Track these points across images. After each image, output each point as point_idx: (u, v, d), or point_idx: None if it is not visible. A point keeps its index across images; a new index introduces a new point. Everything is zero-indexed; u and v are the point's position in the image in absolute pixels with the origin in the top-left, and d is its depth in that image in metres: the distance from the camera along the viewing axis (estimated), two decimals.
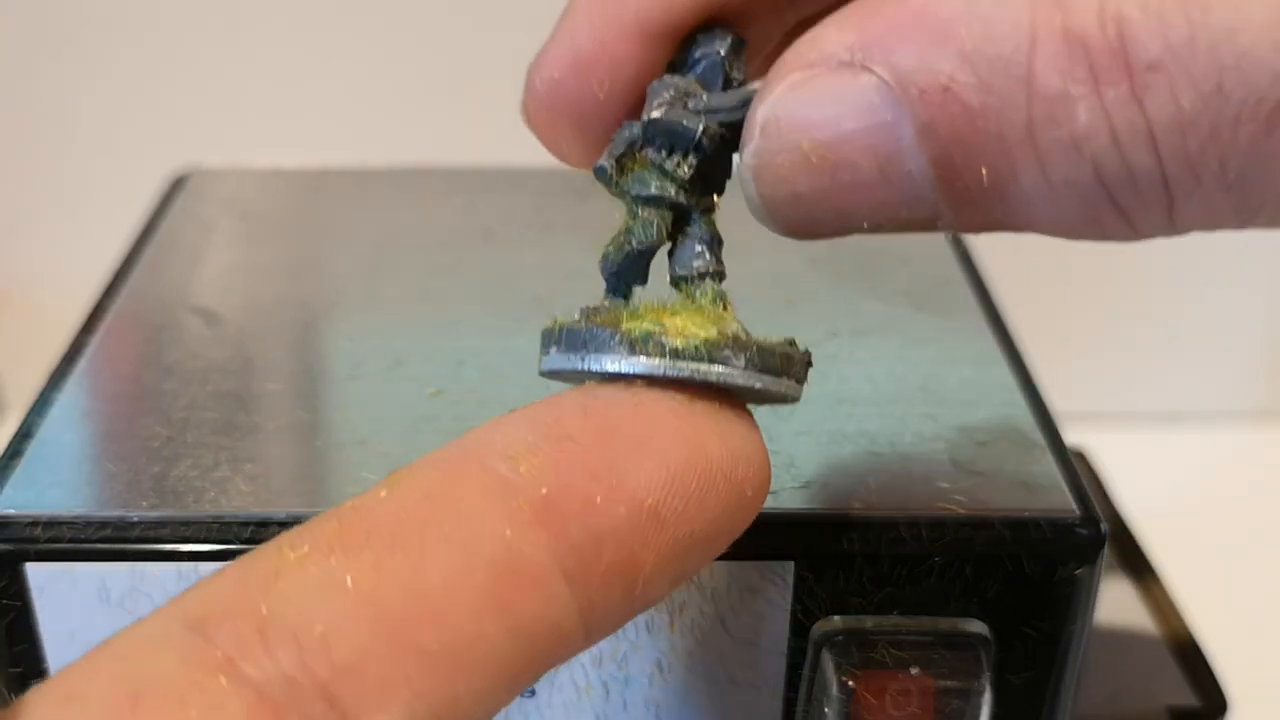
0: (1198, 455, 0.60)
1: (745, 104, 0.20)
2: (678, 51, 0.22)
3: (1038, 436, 0.28)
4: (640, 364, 0.20)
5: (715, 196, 0.22)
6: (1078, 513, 0.26)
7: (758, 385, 0.20)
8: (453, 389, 0.29)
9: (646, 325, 0.20)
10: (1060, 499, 0.26)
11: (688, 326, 0.20)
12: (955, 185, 0.18)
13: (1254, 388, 0.63)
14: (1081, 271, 0.58)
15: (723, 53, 0.21)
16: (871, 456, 0.27)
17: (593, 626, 0.18)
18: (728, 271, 0.22)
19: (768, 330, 0.21)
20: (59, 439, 0.27)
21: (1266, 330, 0.62)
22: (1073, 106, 0.17)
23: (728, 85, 0.21)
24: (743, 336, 0.20)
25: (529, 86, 0.22)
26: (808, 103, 0.19)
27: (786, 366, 0.20)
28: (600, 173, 0.22)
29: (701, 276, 0.22)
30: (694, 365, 0.20)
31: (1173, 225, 0.18)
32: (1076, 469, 0.27)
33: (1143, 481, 0.50)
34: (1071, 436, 0.28)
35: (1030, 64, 0.17)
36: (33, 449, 0.27)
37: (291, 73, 0.56)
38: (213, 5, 0.55)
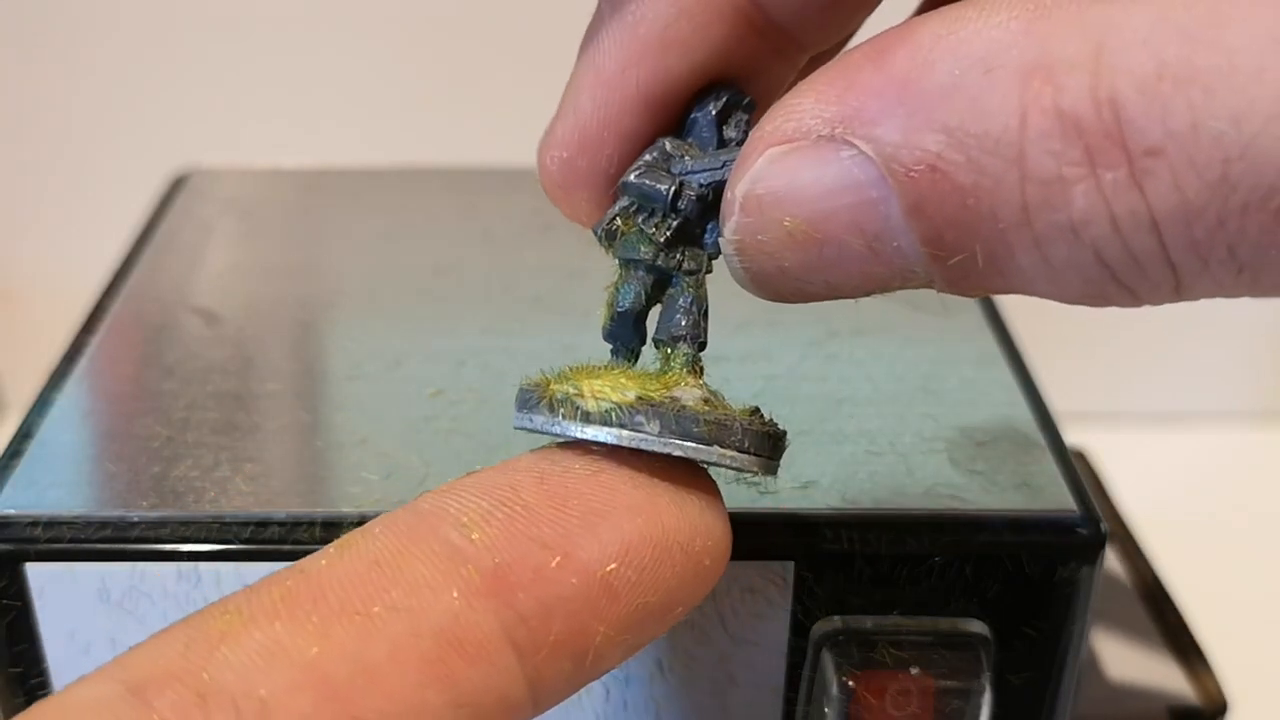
0: (1198, 455, 0.60)
1: (729, 164, 0.20)
2: (682, 114, 0.22)
3: (1038, 436, 0.28)
4: (558, 425, 0.20)
5: (708, 258, 0.21)
6: (1078, 513, 0.26)
7: (675, 453, 0.20)
8: (453, 389, 0.29)
9: (566, 387, 0.20)
10: (1060, 499, 0.26)
11: (604, 389, 0.20)
12: (948, 263, 0.18)
13: (1254, 388, 0.63)
14: None
15: (714, 111, 0.21)
16: (871, 456, 0.27)
17: (541, 697, 0.18)
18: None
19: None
20: (59, 439, 0.27)
21: (1266, 330, 0.62)
22: (1069, 190, 0.16)
23: (723, 143, 0.21)
24: (665, 402, 0.20)
25: (541, 165, 0.22)
26: (788, 178, 0.18)
27: (720, 435, 0.20)
28: (595, 235, 0.22)
29: (675, 340, 0.21)
30: (601, 429, 0.20)
31: (1180, 298, 0.17)
32: (1076, 469, 0.27)
33: (1143, 481, 0.50)
34: (1071, 436, 0.28)
35: (1021, 144, 0.16)
36: (33, 449, 0.27)
37: (291, 73, 0.56)
38: (213, 5, 0.55)
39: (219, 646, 0.17)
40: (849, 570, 0.25)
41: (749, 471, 0.20)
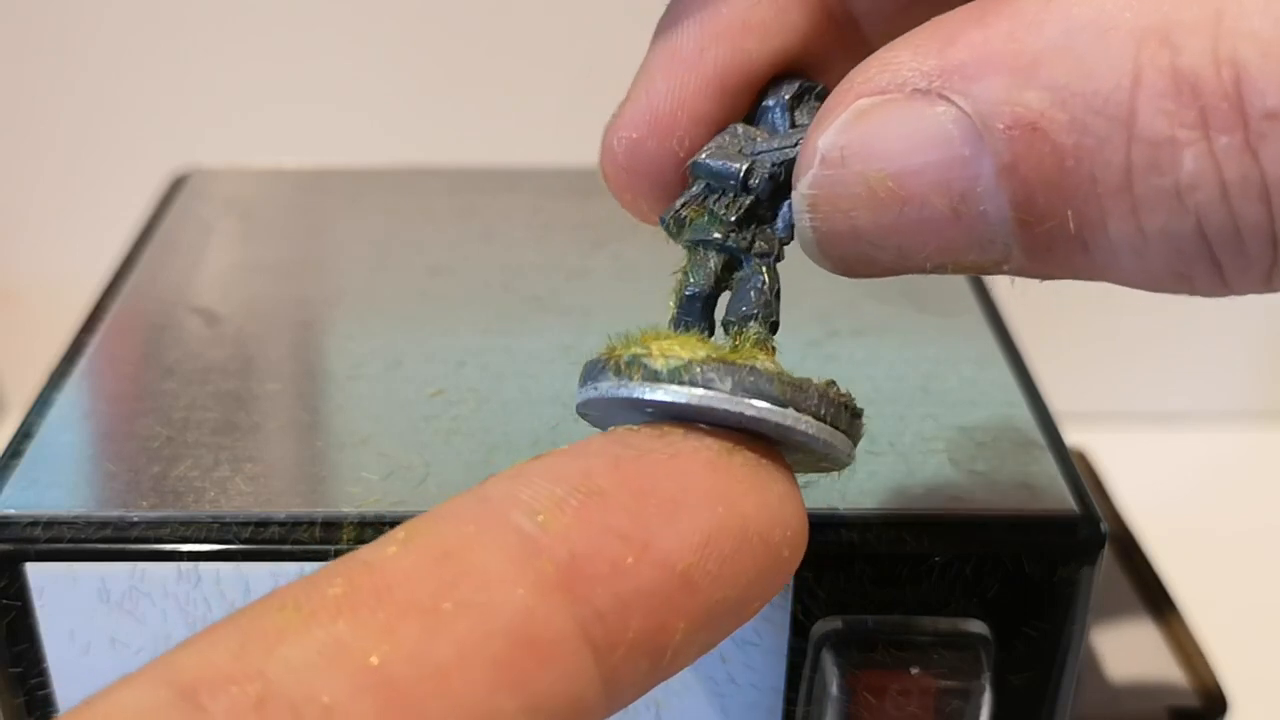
0: (1198, 455, 0.60)
1: (802, 143, 0.19)
2: (755, 103, 0.21)
3: (1038, 436, 0.28)
4: (625, 388, 0.19)
5: (779, 242, 0.21)
6: (1078, 513, 0.26)
7: (748, 413, 0.19)
8: (453, 389, 0.29)
9: (634, 349, 0.19)
10: (1060, 499, 0.26)
11: (674, 348, 0.19)
12: (1035, 230, 0.17)
13: (1254, 388, 0.63)
14: None
15: (788, 96, 0.21)
16: (871, 457, 0.27)
17: (614, 699, 0.17)
18: None
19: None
20: (59, 439, 0.27)
21: (1266, 330, 0.62)
22: (1179, 152, 0.16)
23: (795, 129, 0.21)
24: (740, 362, 0.19)
25: (605, 148, 0.22)
26: (877, 131, 0.17)
27: (796, 397, 0.19)
28: (663, 225, 0.21)
29: (745, 319, 0.21)
30: (671, 388, 0.19)
31: (1269, 284, 0.17)
32: (1076, 469, 0.27)
33: (1143, 481, 0.50)
34: (1071, 436, 0.28)
35: (1133, 104, 0.16)
36: (33, 449, 0.27)
37: (291, 73, 0.56)
38: (213, 5, 0.55)
39: (277, 646, 0.15)
40: (849, 570, 0.25)
41: (828, 447, 0.19)
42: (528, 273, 0.34)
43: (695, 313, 0.21)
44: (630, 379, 0.19)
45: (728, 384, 0.19)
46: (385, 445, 0.27)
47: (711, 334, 0.21)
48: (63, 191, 0.58)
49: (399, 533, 0.17)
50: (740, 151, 0.21)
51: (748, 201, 0.21)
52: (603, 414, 0.20)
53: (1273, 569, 0.53)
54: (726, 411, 0.19)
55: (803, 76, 0.21)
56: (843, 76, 0.21)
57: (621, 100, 0.22)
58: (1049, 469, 0.27)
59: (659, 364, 0.19)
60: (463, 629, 0.16)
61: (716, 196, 0.21)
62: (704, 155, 0.21)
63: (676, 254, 0.22)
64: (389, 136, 0.57)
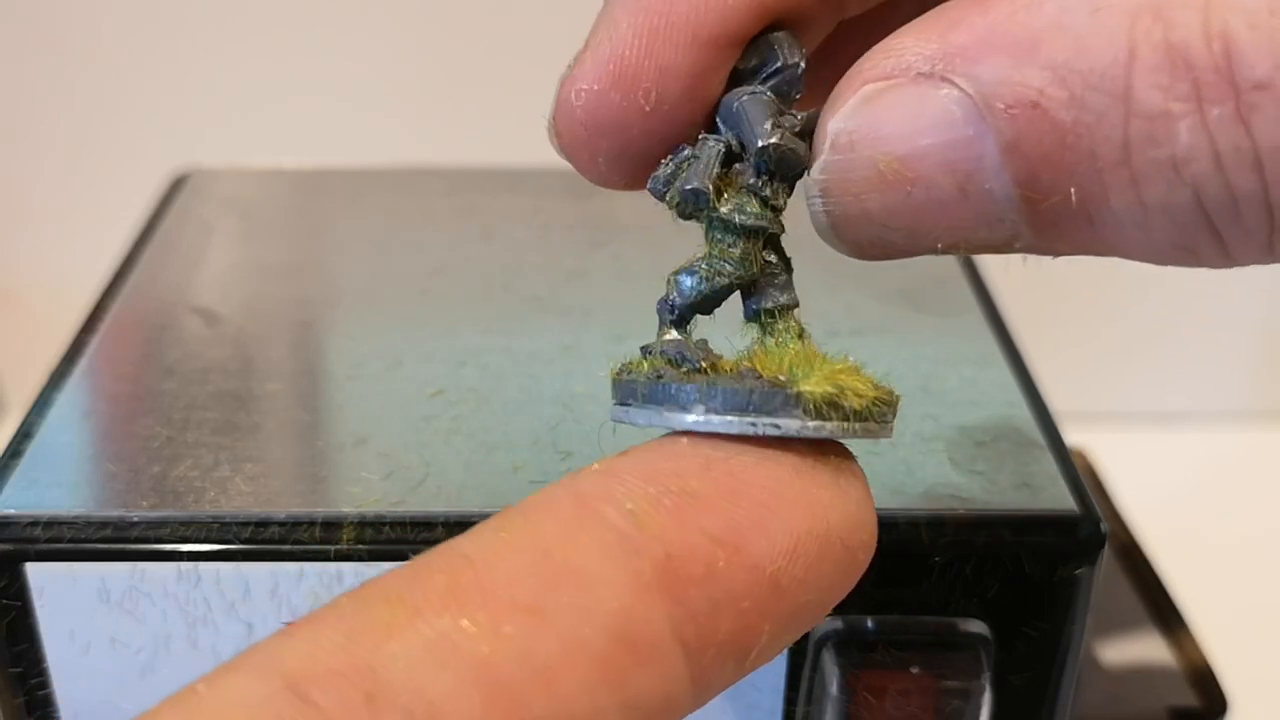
0: (1198, 455, 0.60)
1: None
2: (740, 60, 0.20)
3: (1038, 436, 0.28)
4: (826, 428, 0.19)
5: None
6: (1078, 513, 0.26)
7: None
8: (453, 389, 0.29)
9: (826, 387, 0.19)
10: (1060, 499, 0.26)
11: (858, 385, 0.19)
12: (1040, 206, 0.17)
13: (1254, 388, 0.63)
14: (1081, 271, 0.58)
15: (803, 65, 0.20)
16: (872, 457, 0.27)
17: (700, 697, 0.17)
18: None
19: None
20: (59, 439, 0.27)
21: (1266, 330, 0.62)
22: (1174, 125, 0.16)
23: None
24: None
25: (560, 102, 0.20)
26: (883, 115, 0.18)
27: (830, 413, 0.19)
28: (693, 196, 0.20)
29: (786, 309, 0.20)
30: (866, 425, 0.19)
31: (1271, 253, 0.17)
32: (1076, 469, 0.27)
33: (1143, 481, 0.50)
34: (1071, 436, 0.28)
35: (1129, 79, 0.16)
36: (33, 449, 0.27)
37: (291, 73, 0.56)
38: (214, 6, 0.55)
39: (385, 641, 0.16)
40: None
41: (873, 438, 0.20)
42: (528, 273, 0.34)
43: (720, 301, 0.20)
44: (826, 419, 0.19)
45: (891, 419, 0.19)
46: (385, 445, 0.27)
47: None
48: (63, 191, 0.58)
49: (494, 524, 0.17)
50: (779, 126, 0.19)
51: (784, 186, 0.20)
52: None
53: (1273, 569, 0.53)
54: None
55: (795, 35, 0.20)
56: (819, 30, 0.21)
57: (580, 50, 0.20)
58: (1049, 469, 0.27)
59: (856, 404, 0.19)
60: (565, 628, 0.16)
61: (766, 179, 0.20)
62: (775, 137, 0.19)
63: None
64: (389, 136, 0.57)
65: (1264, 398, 0.63)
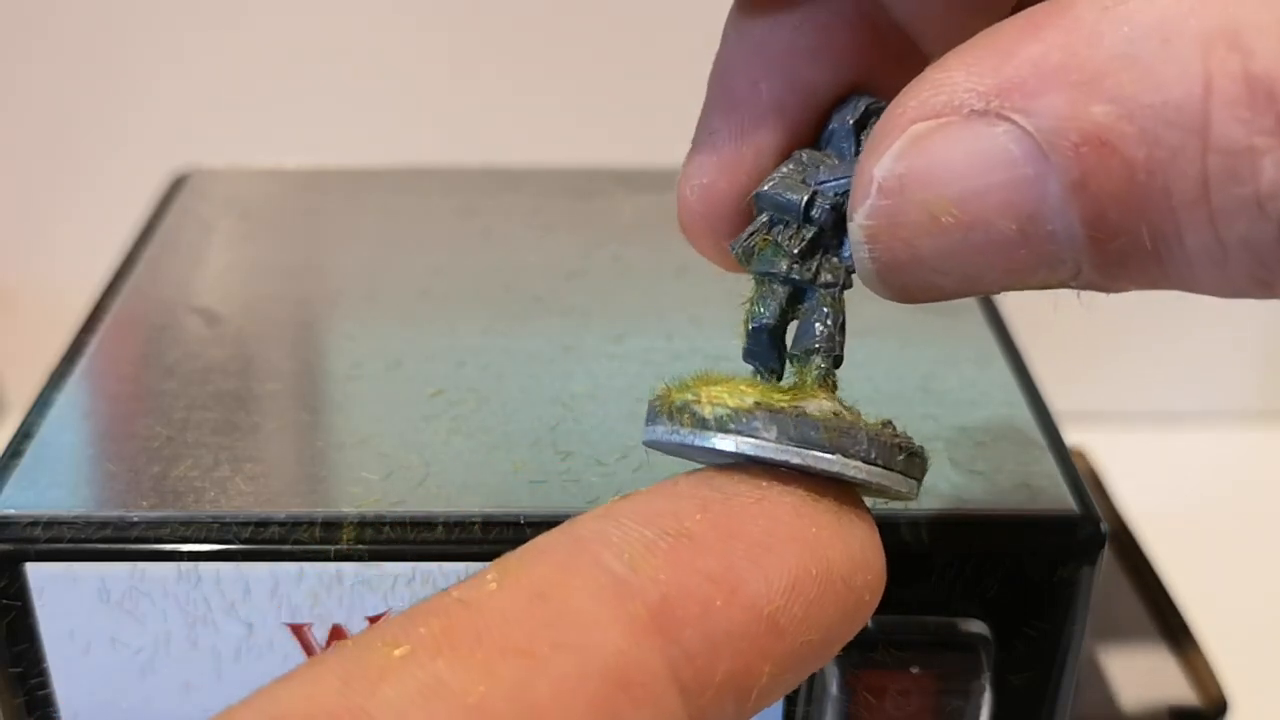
0: (1198, 455, 0.60)
1: None
2: (822, 125, 0.21)
3: (1038, 436, 0.28)
4: (677, 434, 0.19)
5: (845, 271, 0.21)
6: (1078, 513, 0.26)
7: (794, 461, 0.19)
8: (453, 389, 0.29)
9: (685, 395, 0.19)
10: (1060, 499, 0.26)
11: (721, 395, 0.19)
12: (1107, 246, 0.17)
13: (1254, 388, 0.63)
14: None
15: (851, 120, 0.20)
16: None
17: None
18: None
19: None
20: (59, 439, 0.27)
21: (1266, 330, 0.62)
22: (1258, 161, 0.15)
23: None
24: (785, 408, 0.19)
25: (680, 200, 0.21)
26: (936, 156, 0.17)
27: (842, 443, 0.19)
28: (734, 254, 0.21)
29: (808, 354, 0.21)
30: (717, 436, 0.19)
31: None
32: (1076, 469, 0.27)
33: (1143, 481, 0.50)
34: (1071, 436, 0.28)
35: (1205, 113, 0.15)
36: (33, 449, 0.27)
37: (291, 72, 0.56)
38: (213, 5, 0.55)
39: (379, 685, 0.16)
40: None
41: (882, 488, 0.20)
42: (528, 273, 0.34)
43: (763, 344, 0.21)
44: (680, 425, 0.19)
45: (773, 432, 0.19)
46: (385, 445, 0.27)
47: (783, 365, 0.21)
48: (63, 191, 0.58)
49: (492, 571, 0.17)
50: (803, 181, 0.20)
51: (811, 233, 0.20)
52: (669, 450, 0.21)
53: (1273, 569, 0.53)
54: (772, 460, 0.19)
55: (869, 94, 0.21)
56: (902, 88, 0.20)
57: (687, 151, 0.21)
58: (1049, 469, 0.27)
59: (706, 411, 0.19)
60: (559, 671, 0.16)
61: (781, 228, 0.21)
62: (766, 186, 0.21)
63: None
64: (389, 136, 0.57)
65: (1265, 398, 0.63)
